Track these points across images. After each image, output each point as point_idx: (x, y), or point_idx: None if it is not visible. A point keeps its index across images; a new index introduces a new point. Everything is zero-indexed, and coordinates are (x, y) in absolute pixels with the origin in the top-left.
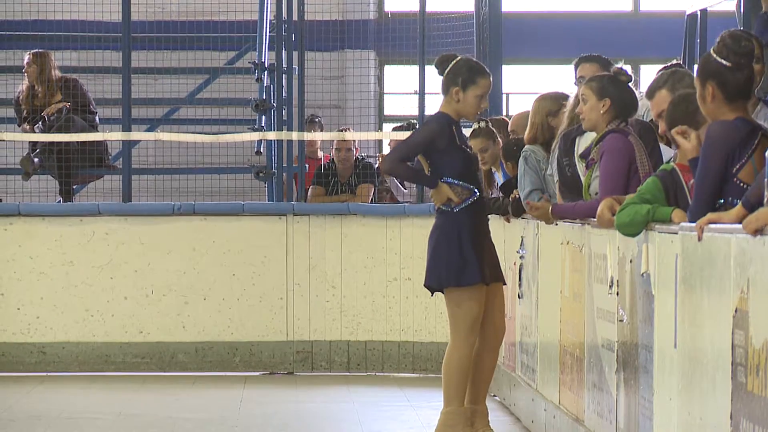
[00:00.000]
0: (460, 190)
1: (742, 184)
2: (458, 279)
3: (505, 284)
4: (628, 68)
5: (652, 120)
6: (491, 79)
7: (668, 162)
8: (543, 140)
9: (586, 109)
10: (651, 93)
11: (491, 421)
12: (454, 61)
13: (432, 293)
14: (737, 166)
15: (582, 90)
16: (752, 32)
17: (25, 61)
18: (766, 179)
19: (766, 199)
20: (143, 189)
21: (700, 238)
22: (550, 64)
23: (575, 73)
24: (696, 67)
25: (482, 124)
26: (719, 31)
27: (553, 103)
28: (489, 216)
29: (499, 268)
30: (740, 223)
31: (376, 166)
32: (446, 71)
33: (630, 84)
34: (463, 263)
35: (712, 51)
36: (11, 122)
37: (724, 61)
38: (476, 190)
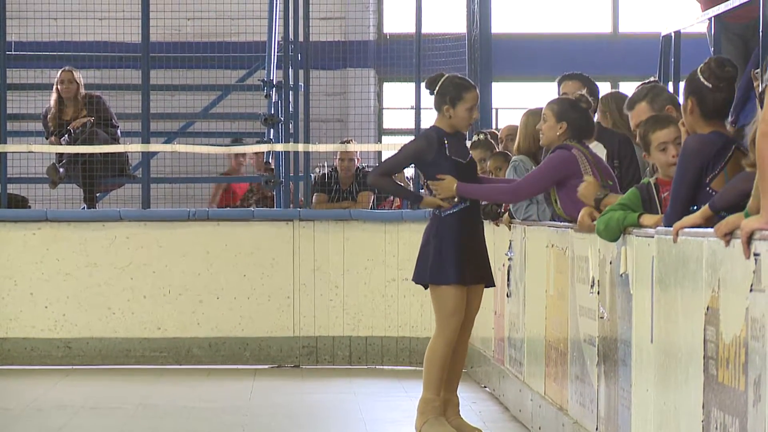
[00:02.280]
0: (450, 198)
1: (713, 193)
2: (437, 277)
3: (490, 286)
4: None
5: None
6: (477, 91)
7: (648, 178)
8: (530, 151)
9: (545, 128)
10: (631, 105)
11: (481, 411)
12: (441, 81)
13: (426, 287)
14: (710, 176)
15: (544, 110)
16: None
17: (60, 78)
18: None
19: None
20: (161, 196)
21: (675, 240)
22: (536, 81)
23: (558, 89)
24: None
25: (481, 136)
26: (692, 51)
27: (539, 117)
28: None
29: (487, 270)
30: (706, 223)
31: None
32: (435, 90)
33: (589, 111)
34: (441, 264)
35: (698, 70)
36: (39, 135)
37: (705, 82)
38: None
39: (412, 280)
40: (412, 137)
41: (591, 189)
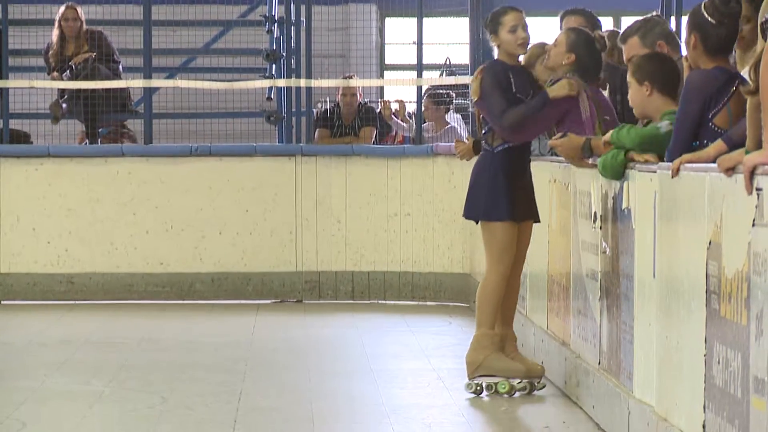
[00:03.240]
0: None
1: (716, 128)
2: (489, 214)
3: (538, 222)
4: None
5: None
6: (517, 12)
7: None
8: None
9: (554, 52)
10: (624, 38)
11: None
12: (486, 19)
13: (476, 223)
14: (713, 112)
15: (561, 34)
16: None
17: (63, 15)
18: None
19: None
20: (163, 132)
21: (673, 175)
22: (539, 17)
23: (561, 24)
24: (673, 19)
25: None
26: None
27: (539, 49)
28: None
29: (535, 206)
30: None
31: (378, 110)
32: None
33: (602, 53)
34: (494, 200)
35: (702, 6)
36: (41, 71)
37: (709, 18)
38: None
39: (463, 215)
40: (414, 73)
41: (570, 146)
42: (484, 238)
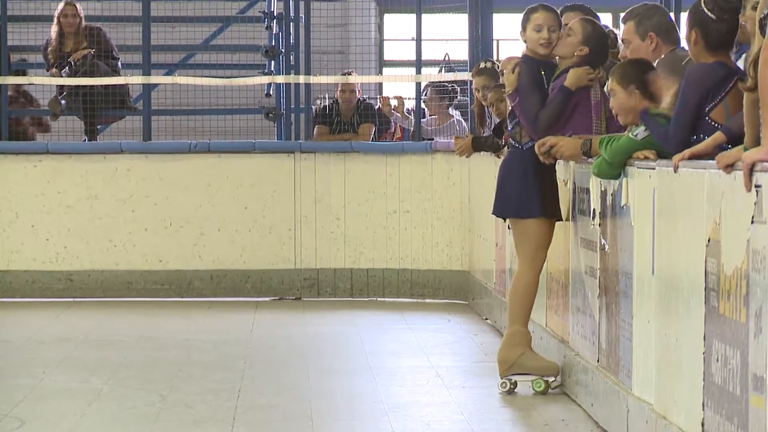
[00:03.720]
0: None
1: (713, 123)
2: (520, 211)
3: (561, 220)
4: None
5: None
6: (547, 12)
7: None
8: None
9: (567, 41)
10: (624, 20)
11: (482, 343)
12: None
13: (505, 221)
14: (710, 106)
15: (575, 23)
16: None
17: (62, 12)
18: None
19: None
20: (162, 129)
21: (675, 170)
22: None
23: (560, 20)
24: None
25: (488, 64)
26: None
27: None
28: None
29: (558, 205)
30: (715, 150)
31: (377, 106)
32: None
33: (610, 50)
34: (527, 197)
35: (702, 1)
36: (40, 67)
37: (709, 13)
38: None
39: (492, 213)
40: (413, 69)
41: (569, 147)
42: (515, 236)
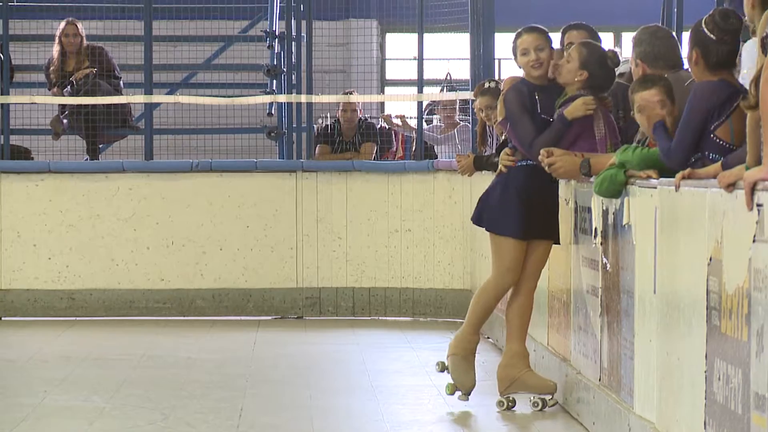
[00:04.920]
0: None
1: (718, 141)
2: (495, 226)
3: (556, 243)
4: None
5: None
6: (531, 34)
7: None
8: None
9: (566, 68)
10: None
11: (484, 362)
12: None
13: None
14: (715, 124)
15: (573, 50)
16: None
17: (64, 31)
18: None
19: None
20: (164, 148)
21: (677, 189)
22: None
23: (563, 39)
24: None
25: (491, 84)
26: (696, 1)
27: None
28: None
29: (553, 227)
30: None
31: (379, 125)
32: None
33: (614, 71)
34: (505, 214)
35: (702, 22)
36: (42, 86)
37: (710, 34)
38: None
39: (471, 219)
40: (414, 88)
41: (567, 165)
42: (492, 247)
